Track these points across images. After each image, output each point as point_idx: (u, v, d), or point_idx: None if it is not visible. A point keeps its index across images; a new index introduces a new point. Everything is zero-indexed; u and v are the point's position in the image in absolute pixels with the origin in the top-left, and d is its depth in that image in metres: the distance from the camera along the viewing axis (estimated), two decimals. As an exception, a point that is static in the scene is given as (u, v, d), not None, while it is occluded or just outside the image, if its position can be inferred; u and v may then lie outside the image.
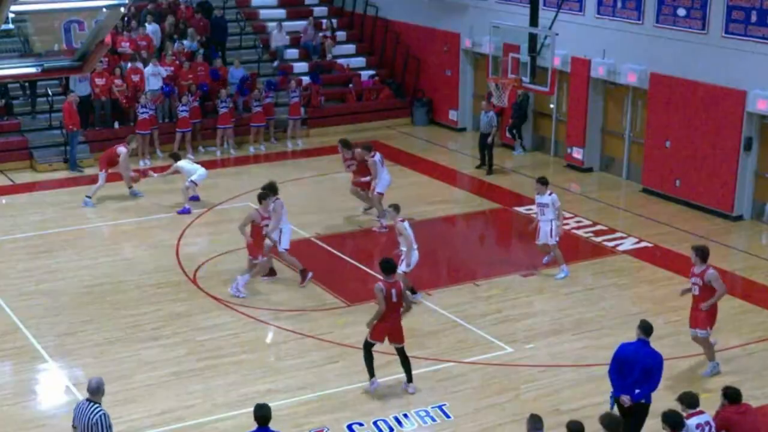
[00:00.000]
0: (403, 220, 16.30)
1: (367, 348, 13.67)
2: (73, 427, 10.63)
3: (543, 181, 17.57)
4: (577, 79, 23.95)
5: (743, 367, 14.48)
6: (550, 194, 17.45)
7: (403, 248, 16.20)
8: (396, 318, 13.51)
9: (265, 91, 26.25)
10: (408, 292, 14.39)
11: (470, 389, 13.93)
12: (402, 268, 15.81)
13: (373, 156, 19.85)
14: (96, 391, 10.40)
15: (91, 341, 15.31)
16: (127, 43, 26.39)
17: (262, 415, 10.49)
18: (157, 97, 25.13)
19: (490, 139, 24.15)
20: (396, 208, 16.47)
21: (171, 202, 21.52)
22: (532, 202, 21.61)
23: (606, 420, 10.43)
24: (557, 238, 17.50)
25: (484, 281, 17.51)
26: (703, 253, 14.02)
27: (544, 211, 17.47)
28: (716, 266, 18.13)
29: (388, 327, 13.50)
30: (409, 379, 13.79)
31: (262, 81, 26.92)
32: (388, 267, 13.58)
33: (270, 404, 10.80)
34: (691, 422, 10.64)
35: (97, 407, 10.32)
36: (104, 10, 7.94)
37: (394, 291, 13.41)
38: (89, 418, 10.26)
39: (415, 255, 16.20)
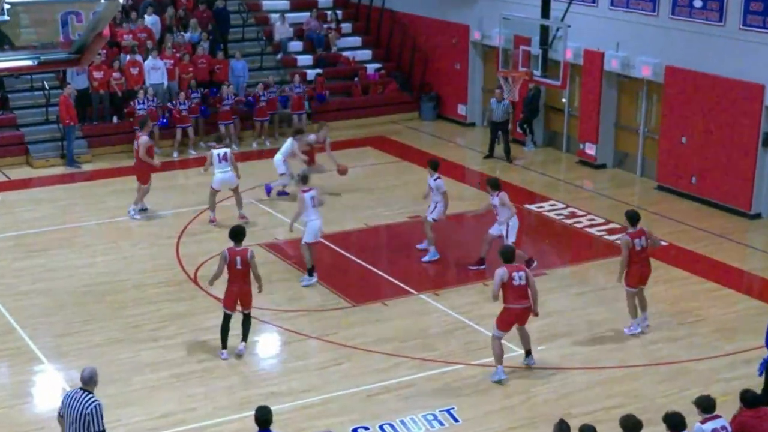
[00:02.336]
0: (308, 191, 17.13)
1: (225, 319, 14.73)
2: (60, 416, 10.66)
3: (433, 164, 18.51)
4: (590, 73, 23.92)
5: (761, 370, 14.46)
6: (436, 179, 18.26)
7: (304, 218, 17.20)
8: (242, 284, 14.56)
9: (269, 86, 26.27)
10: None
11: (479, 392, 13.94)
12: (303, 238, 17.20)
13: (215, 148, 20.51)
14: (89, 381, 10.55)
15: (89, 342, 15.35)
16: (129, 36, 26.43)
17: (263, 418, 10.54)
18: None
19: (510, 126, 24.56)
20: (303, 178, 17.46)
21: (171, 199, 21.59)
22: (543, 199, 21.74)
23: (624, 421, 10.41)
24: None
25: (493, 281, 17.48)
26: (505, 256, 14.27)
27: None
28: (732, 265, 18.28)
29: (235, 293, 14.60)
30: (244, 338, 14.92)
31: (267, 74, 26.94)
32: (236, 235, 14.64)
33: (273, 407, 10.83)
34: (707, 427, 10.64)
35: (91, 397, 10.44)
36: (102, 1, 7.96)
37: (239, 258, 14.43)
38: (83, 407, 10.36)
39: (313, 225, 17.13)
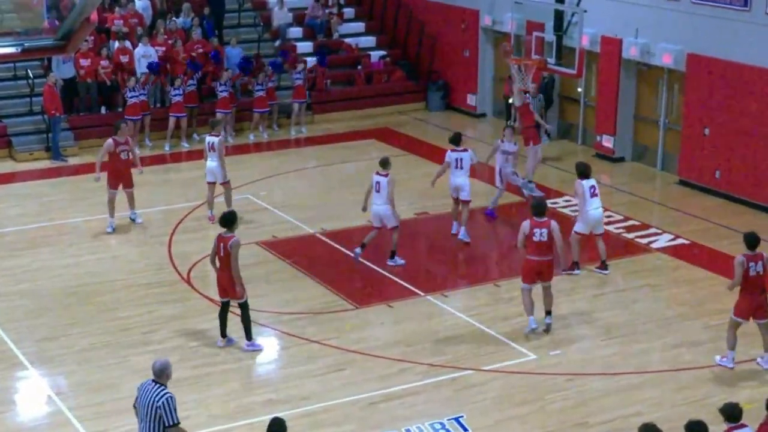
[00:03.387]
0: (378, 174, 17.82)
1: (221, 307, 15.25)
2: (135, 407, 10.98)
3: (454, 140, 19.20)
4: (608, 61, 23.90)
5: (790, 377, 14.46)
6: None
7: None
8: (223, 272, 14.87)
9: (270, 74, 26.21)
10: None
11: (490, 400, 13.94)
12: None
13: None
14: (161, 374, 10.82)
15: (76, 346, 15.35)
16: (121, 21, 26.43)
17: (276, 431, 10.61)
18: (145, 78, 25.03)
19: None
20: (383, 162, 17.94)
21: (163, 194, 21.60)
22: (557, 195, 21.73)
23: (644, 431, 10.40)
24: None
25: (506, 281, 17.50)
26: (533, 209, 15.43)
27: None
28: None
29: (219, 280, 15.04)
30: (246, 335, 15.15)
31: (266, 62, 26.92)
32: (224, 221, 15.00)
33: (271, 416, 10.82)
34: (733, 436, 10.63)
35: (163, 389, 10.72)
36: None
37: (222, 245, 14.79)
38: (154, 399, 10.64)
39: (372, 210, 17.96)
